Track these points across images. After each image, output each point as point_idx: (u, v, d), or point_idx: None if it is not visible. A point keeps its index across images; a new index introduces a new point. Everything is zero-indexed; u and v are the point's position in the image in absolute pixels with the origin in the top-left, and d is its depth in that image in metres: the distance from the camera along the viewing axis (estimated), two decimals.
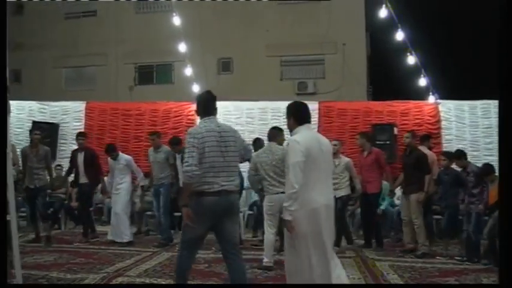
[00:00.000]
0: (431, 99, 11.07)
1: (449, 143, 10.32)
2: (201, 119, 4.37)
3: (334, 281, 4.03)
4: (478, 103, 10.85)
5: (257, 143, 8.50)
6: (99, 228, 9.11)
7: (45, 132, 10.64)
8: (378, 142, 10.22)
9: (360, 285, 5.65)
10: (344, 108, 11.26)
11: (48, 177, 8.33)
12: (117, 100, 13.86)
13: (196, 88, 12.69)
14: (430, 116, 10.83)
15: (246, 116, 11.34)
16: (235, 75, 17.49)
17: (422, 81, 11.19)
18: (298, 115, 4.28)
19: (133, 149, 10.91)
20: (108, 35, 17.38)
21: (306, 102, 10.62)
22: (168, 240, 8.03)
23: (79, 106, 11.55)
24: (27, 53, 16.48)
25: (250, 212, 9.92)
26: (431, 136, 9.37)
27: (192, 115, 11.47)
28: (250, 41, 16.96)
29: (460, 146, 10.22)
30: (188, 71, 12.83)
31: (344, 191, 7.78)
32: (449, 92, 11.86)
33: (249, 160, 5.31)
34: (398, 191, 8.43)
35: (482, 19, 18.58)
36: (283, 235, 7.38)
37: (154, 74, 18.49)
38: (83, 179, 8.41)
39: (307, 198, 3.97)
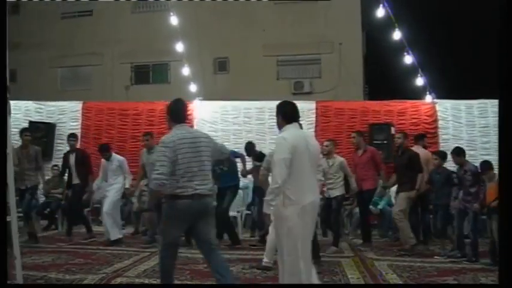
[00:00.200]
0: (428, 98, 11.11)
1: (446, 143, 10.36)
2: (172, 126, 4.45)
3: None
4: (475, 103, 10.92)
5: (248, 146, 8.52)
6: (96, 228, 9.08)
7: (42, 132, 10.63)
8: (375, 142, 10.29)
9: (360, 285, 5.65)
10: (341, 108, 11.31)
11: (39, 178, 8.31)
12: (113, 100, 13.82)
13: (192, 88, 12.67)
14: (427, 116, 10.88)
15: (243, 116, 11.36)
16: (231, 74, 17.47)
17: (419, 81, 11.21)
18: (286, 114, 4.37)
19: (131, 148, 10.91)
20: (104, 34, 17.34)
21: (302, 101, 10.75)
22: (152, 236, 7.99)
23: (76, 106, 11.53)
24: (23, 53, 16.40)
25: (248, 212, 9.92)
26: (426, 135, 9.41)
27: (189, 115, 11.46)
28: (247, 41, 16.94)
29: (456, 146, 10.31)
30: (184, 71, 12.81)
31: (338, 191, 7.83)
32: (446, 92, 11.89)
33: (230, 158, 5.29)
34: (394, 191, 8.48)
35: (479, 19, 18.65)
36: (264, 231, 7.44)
37: (151, 73, 18.45)
38: (76, 180, 8.41)
39: (297, 195, 4.09)
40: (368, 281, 5.77)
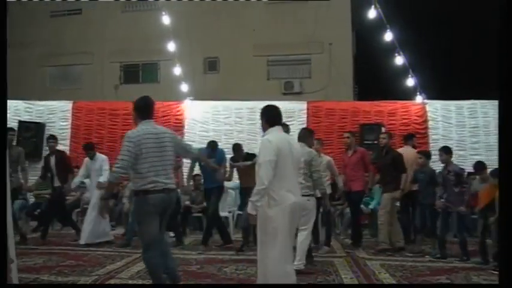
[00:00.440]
0: (419, 99, 11.20)
1: (436, 143, 10.45)
2: (138, 122, 4.51)
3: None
4: (465, 103, 11.05)
5: (235, 148, 8.50)
6: None
7: (32, 132, 10.53)
8: (365, 142, 10.34)
9: (360, 285, 5.68)
10: (332, 108, 11.37)
11: (21, 180, 8.20)
12: (102, 99, 13.76)
13: (182, 87, 12.64)
14: (417, 116, 10.98)
15: (235, 116, 11.36)
16: (221, 74, 17.45)
17: (409, 81, 11.31)
18: (269, 118, 4.49)
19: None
20: (94, 33, 17.25)
21: (294, 102, 10.78)
22: (129, 239, 7.93)
23: (66, 105, 11.45)
24: (11, 51, 16.12)
25: (240, 212, 9.89)
26: (415, 135, 9.49)
27: (180, 115, 11.46)
28: (237, 41, 16.94)
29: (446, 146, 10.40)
30: (174, 70, 12.77)
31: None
32: (437, 92, 12.00)
33: (197, 158, 5.30)
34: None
35: (471, 19, 18.83)
36: (249, 233, 7.46)
37: (140, 73, 18.39)
38: (57, 183, 8.31)
39: (281, 196, 4.23)
40: (362, 280, 5.79)
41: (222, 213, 9.23)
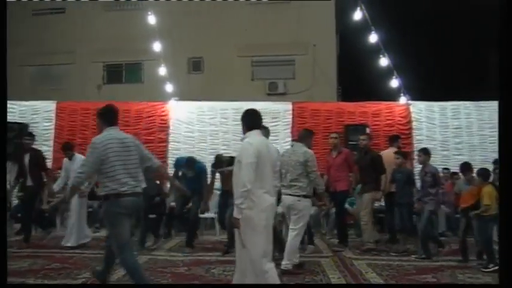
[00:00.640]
0: (403, 100, 11.31)
1: (420, 143, 10.57)
2: (103, 129, 4.68)
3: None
4: (448, 104, 11.22)
5: (217, 160, 8.46)
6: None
7: (14, 133, 10.35)
8: (350, 142, 10.40)
9: (359, 285, 5.72)
10: (317, 109, 11.43)
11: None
12: (85, 99, 13.58)
13: (166, 87, 12.58)
14: (401, 117, 11.10)
15: (220, 117, 11.32)
16: (205, 75, 17.42)
17: (393, 82, 11.43)
18: (249, 121, 4.63)
19: None
20: (76, 32, 17.06)
21: (279, 102, 10.81)
22: None
23: (49, 106, 11.29)
24: None
25: (213, 216, 9.85)
26: (400, 136, 9.60)
27: (165, 115, 11.40)
28: (221, 41, 16.91)
29: (430, 146, 10.47)
30: (158, 71, 12.70)
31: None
32: (420, 94, 12.15)
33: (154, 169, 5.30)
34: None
35: (455, 21, 19.04)
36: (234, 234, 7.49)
37: (123, 73, 18.25)
38: (29, 182, 8.06)
39: (259, 197, 4.33)
40: (349, 280, 5.83)
41: (208, 214, 9.23)
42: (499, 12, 3.29)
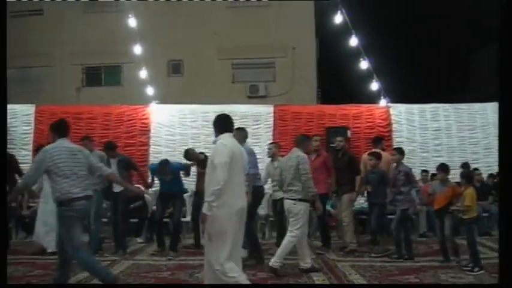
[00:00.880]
0: (382, 102, 11.45)
1: (400, 145, 10.58)
2: (55, 140, 5.08)
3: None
4: (427, 107, 11.40)
5: (186, 153, 8.44)
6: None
7: None
8: (331, 145, 10.46)
9: (359, 285, 5.78)
10: (298, 112, 11.48)
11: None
12: (64, 102, 13.42)
13: (146, 90, 12.49)
14: (382, 119, 11.22)
15: (201, 120, 11.27)
16: (186, 77, 17.36)
17: (373, 85, 11.56)
18: (220, 125, 4.86)
19: None
20: (54, 34, 16.74)
21: (260, 105, 10.82)
22: (95, 248, 7.66)
23: (28, 109, 11.07)
24: None
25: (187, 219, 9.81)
26: (384, 138, 9.70)
27: (146, 118, 11.32)
28: (201, 44, 16.86)
29: (410, 148, 10.75)
30: (137, 73, 12.61)
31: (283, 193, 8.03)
32: (400, 96, 12.30)
33: (105, 176, 5.62)
34: None
35: (436, 24, 19.33)
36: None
37: (103, 75, 18.04)
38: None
39: (230, 198, 4.45)
40: (333, 282, 5.89)
41: (185, 218, 9.18)
42: (499, 12, 3.34)
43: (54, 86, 16.74)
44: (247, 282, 4.61)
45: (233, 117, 10.76)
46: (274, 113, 11.34)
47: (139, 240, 9.05)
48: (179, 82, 16.91)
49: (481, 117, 11.28)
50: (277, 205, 8.21)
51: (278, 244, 7.87)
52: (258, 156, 8.79)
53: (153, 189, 8.75)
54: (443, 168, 7.05)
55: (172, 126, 11.34)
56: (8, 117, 10.90)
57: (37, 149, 8.07)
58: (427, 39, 20.72)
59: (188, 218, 9.17)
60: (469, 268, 6.20)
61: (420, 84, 19.60)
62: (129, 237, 8.99)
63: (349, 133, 10.68)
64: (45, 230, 7.65)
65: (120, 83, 17.66)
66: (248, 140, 10.51)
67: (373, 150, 8.47)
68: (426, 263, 6.79)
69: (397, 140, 10.95)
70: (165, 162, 8.04)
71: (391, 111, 11.27)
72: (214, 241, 4.45)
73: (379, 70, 11.57)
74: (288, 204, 6.43)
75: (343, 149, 8.21)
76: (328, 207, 8.79)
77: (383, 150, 8.77)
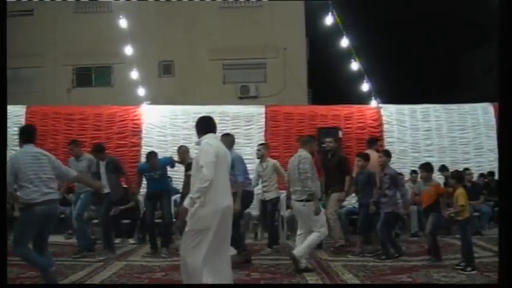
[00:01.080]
0: (373, 103, 11.51)
1: (391, 146, 10.78)
2: (22, 146, 5.26)
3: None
4: (418, 107, 11.48)
5: (179, 150, 8.47)
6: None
7: None
8: (323, 145, 10.49)
9: (359, 285, 5.80)
10: (290, 112, 11.49)
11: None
12: (54, 103, 13.31)
13: (137, 91, 12.45)
14: (373, 120, 11.28)
15: (193, 120, 11.07)
16: (176, 78, 17.36)
17: (363, 85, 11.61)
18: (203, 127, 4.92)
19: None
20: (45, 35, 16.67)
21: (252, 106, 10.81)
22: (84, 247, 7.64)
23: (19, 110, 10.96)
24: None
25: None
26: (378, 139, 9.74)
27: (138, 119, 11.28)
28: (192, 44, 16.89)
29: (401, 148, 10.82)
30: (128, 74, 12.56)
31: (273, 194, 8.19)
32: (391, 97, 12.36)
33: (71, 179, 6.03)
34: None
35: (426, 26, 19.45)
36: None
37: (93, 76, 17.95)
38: None
39: (214, 197, 4.47)
40: (326, 281, 5.91)
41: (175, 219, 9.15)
42: (499, 12, 3.34)
43: (45, 87, 16.69)
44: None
45: (225, 118, 11.07)
46: (266, 113, 11.35)
47: (131, 241, 9.04)
48: (170, 83, 16.91)
49: (472, 118, 11.38)
50: (267, 206, 8.23)
51: (270, 245, 7.93)
52: (249, 157, 8.89)
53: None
54: (426, 167, 7.14)
55: (164, 127, 11.31)
56: None
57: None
58: (418, 39, 20.86)
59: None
60: (461, 267, 6.26)
61: (411, 85, 19.72)
62: (121, 238, 9.00)
63: (340, 133, 10.71)
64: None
65: (110, 83, 17.61)
66: (240, 140, 10.72)
67: (366, 151, 8.52)
68: (418, 263, 6.83)
69: (388, 141, 11.02)
70: (154, 154, 8.06)
71: (382, 111, 11.34)
72: (194, 237, 4.46)
73: (369, 70, 11.63)
74: (296, 206, 6.46)
75: (333, 150, 8.26)
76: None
77: (377, 151, 8.83)
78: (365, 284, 5.82)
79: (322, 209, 6.64)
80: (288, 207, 9.12)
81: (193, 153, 8.54)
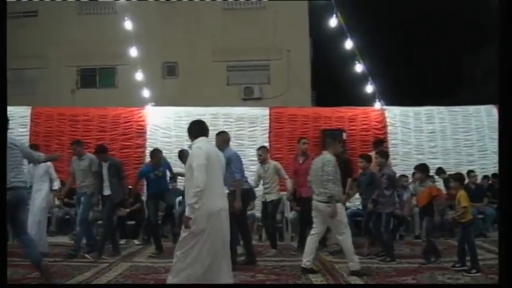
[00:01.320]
0: (377, 105, 11.52)
1: (395, 147, 10.81)
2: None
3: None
4: (422, 109, 11.48)
5: (181, 154, 8.53)
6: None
7: None
8: None
9: (358, 285, 5.81)
10: (294, 114, 11.49)
11: None
12: (58, 104, 13.37)
13: (140, 92, 12.47)
14: (377, 122, 11.28)
15: None
16: (180, 79, 17.38)
17: (367, 87, 11.60)
18: (195, 131, 5.01)
19: None
20: (49, 36, 16.71)
21: (256, 108, 10.83)
22: (76, 249, 7.65)
23: (24, 111, 11.00)
24: None
25: None
26: (384, 141, 9.75)
27: (142, 121, 11.31)
28: (196, 46, 16.92)
29: (405, 150, 10.84)
30: (132, 75, 12.59)
31: (274, 195, 8.18)
32: (395, 99, 12.39)
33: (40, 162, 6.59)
34: None
35: (431, 28, 19.43)
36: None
37: (97, 77, 18.02)
38: None
39: (207, 200, 4.51)
40: (331, 283, 5.93)
41: None
42: (499, 12, 3.35)
43: (49, 88, 16.70)
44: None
45: (229, 120, 11.08)
46: (270, 115, 11.36)
47: (136, 242, 9.07)
48: (174, 84, 16.93)
49: (476, 120, 11.37)
50: (268, 207, 8.23)
51: (273, 245, 7.95)
52: (253, 159, 8.92)
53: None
54: (421, 168, 7.20)
55: (168, 128, 11.33)
56: None
57: (30, 147, 8.14)
58: (422, 41, 20.86)
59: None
60: (465, 269, 6.27)
61: (415, 87, 19.72)
62: (127, 239, 9.04)
63: (344, 135, 10.73)
64: (34, 232, 7.62)
65: (114, 85, 17.66)
66: (244, 142, 10.76)
67: (372, 152, 8.53)
68: (422, 264, 6.80)
69: (392, 143, 11.02)
70: (159, 150, 8.20)
71: (386, 113, 11.34)
72: (189, 240, 4.52)
73: (373, 72, 11.63)
74: (320, 206, 6.39)
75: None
76: None
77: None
78: (369, 284, 5.83)
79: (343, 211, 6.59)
80: (292, 208, 9.19)
81: None
